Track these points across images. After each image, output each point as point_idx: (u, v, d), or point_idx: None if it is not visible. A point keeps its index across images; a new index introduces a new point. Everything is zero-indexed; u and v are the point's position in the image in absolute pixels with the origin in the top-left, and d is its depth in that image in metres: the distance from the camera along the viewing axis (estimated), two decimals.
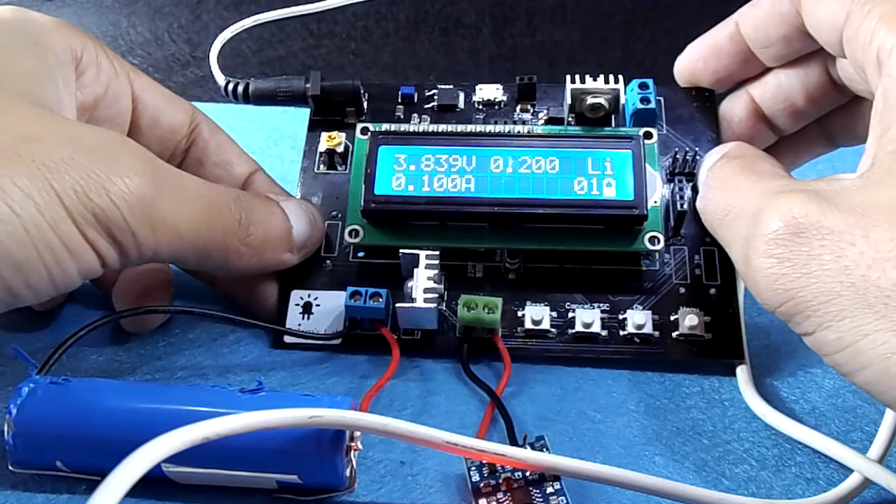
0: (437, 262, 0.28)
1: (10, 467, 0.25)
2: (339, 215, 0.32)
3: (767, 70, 0.31)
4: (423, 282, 0.28)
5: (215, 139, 0.32)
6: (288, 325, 0.30)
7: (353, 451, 0.25)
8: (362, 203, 0.29)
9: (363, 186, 0.29)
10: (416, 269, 0.28)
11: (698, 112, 0.33)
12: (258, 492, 0.25)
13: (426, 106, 0.34)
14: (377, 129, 0.31)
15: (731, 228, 0.24)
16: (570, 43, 0.51)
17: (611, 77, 0.32)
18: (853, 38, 0.24)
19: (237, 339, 0.31)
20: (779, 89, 0.31)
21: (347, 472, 0.25)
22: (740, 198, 0.24)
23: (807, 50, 0.29)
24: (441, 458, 0.26)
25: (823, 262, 0.21)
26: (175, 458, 0.24)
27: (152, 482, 0.24)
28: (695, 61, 0.32)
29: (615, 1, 0.52)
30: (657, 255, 0.31)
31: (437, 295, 0.28)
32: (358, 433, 0.24)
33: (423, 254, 0.28)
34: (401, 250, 0.29)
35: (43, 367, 0.26)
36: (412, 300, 0.27)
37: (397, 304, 0.28)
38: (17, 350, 0.26)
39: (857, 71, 0.25)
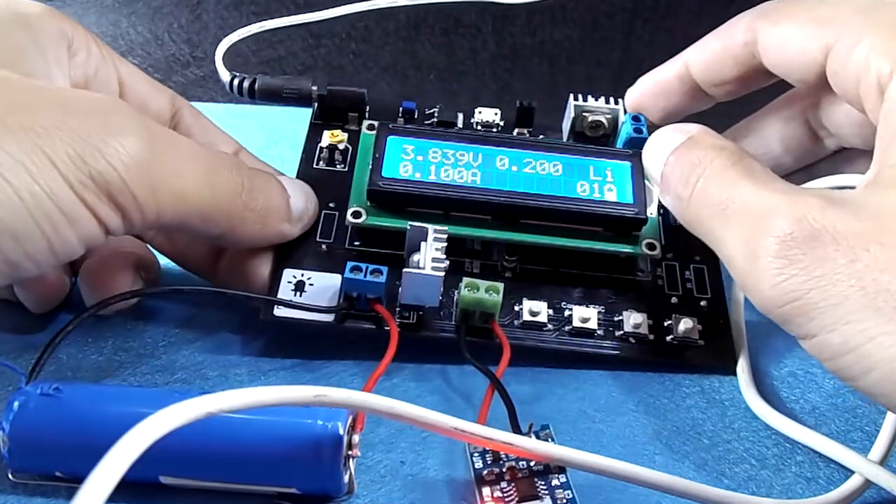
0: (444, 236, 0.28)
1: (10, 476, 0.25)
2: (336, 205, 0.32)
3: (750, 125, 0.32)
4: (431, 252, 0.27)
5: (198, 123, 0.32)
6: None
7: (351, 460, 0.25)
8: (369, 183, 0.29)
9: (370, 171, 0.30)
10: (423, 243, 0.28)
11: None
12: (256, 496, 0.25)
13: (426, 122, 0.35)
14: (385, 123, 0.31)
15: (727, 223, 0.23)
16: (570, 43, 0.51)
17: (611, 99, 0.33)
18: (842, 71, 0.25)
19: (237, 340, 0.31)
20: (760, 139, 0.32)
21: (346, 479, 0.25)
22: (740, 192, 0.23)
23: (763, 85, 0.30)
24: (441, 458, 0.26)
25: (836, 266, 0.20)
26: (173, 471, 0.24)
27: (147, 487, 0.24)
28: (644, 97, 0.32)
29: (615, 1, 0.52)
30: (649, 264, 0.31)
31: (444, 266, 0.27)
32: (357, 439, 0.24)
33: (431, 227, 0.28)
34: (409, 223, 0.28)
35: (31, 373, 0.25)
36: (420, 268, 0.27)
37: (405, 269, 0.27)
38: (4, 363, 0.25)
39: (851, 100, 0.25)
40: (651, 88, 0.32)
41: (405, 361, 0.30)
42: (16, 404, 0.24)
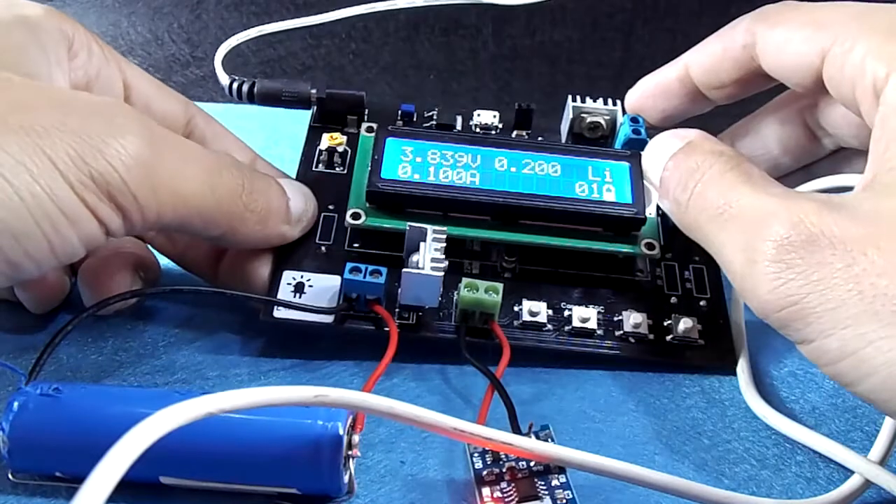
0: (444, 236, 0.28)
1: (10, 477, 0.25)
2: (335, 207, 0.32)
3: (748, 125, 0.32)
4: (430, 252, 0.27)
5: (211, 130, 0.32)
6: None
7: (351, 460, 0.25)
8: (368, 185, 0.29)
9: (369, 172, 0.30)
10: (422, 243, 0.28)
11: None
12: (256, 496, 0.25)
13: (425, 125, 0.35)
14: (384, 125, 0.31)
15: (725, 227, 0.23)
16: (570, 43, 0.51)
17: (609, 100, 0.33)
18: (838, 75, 0.25)
19: (237, 340, 0.31)
20: (758, 138, 0.32)
21: (346, 479, 0.25)
22: (738, 196, 0.23)
23: (762, 88, 0.30)
24: (441, 458, 0.26)
25: (834, 271, 0.20)
26: (173, 472, 0.24)
27: (147, 487, 0.24)
28: (644, 99, 0.32)
29: (615, 1, 0.52)
30: (649, 264, 0.31)
31: (443, 266, 0.27)
32: (356, 440, 0.24)
33: (430, 228, 0.28)
34: (408, 223, 0.28)
35: (31, 374, 0.25)
36: (419, 269, 0.27)
37: (404, 270, 0.27)
38: (4, 364, 0.26)
39: (848, 104, 0.25)
40: (651, 90, 0.32)
41: (405, 361, 0.30)
42: (15, 404, 0.24)
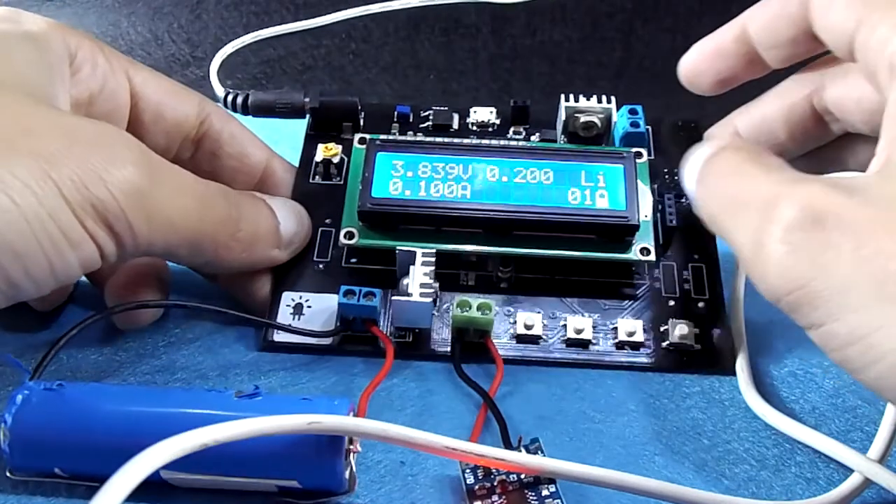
0: (433, 259, 0.28)
1: (8, 474, 0.25)
2: (332, 222, 0.32)
3: (753, 108, 0.31)
4: (419, 277, 0.28)
5: (227, 129, 0.32)
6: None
7: (352, 454, 0.25)
8: (359, 204, 0.29)
9: (360, 191, 0.30)
10: (412, 266, 0.28)
11: (685, 143, 0.33)
12: (258, 494, 0.25)
13: (421, 125, 0.35)
14: (375, 138, 0.31)
15: (738, 215, 0.23)
16: (570, 43, 0.51)
17: (603, 98, 0.33)
18: (865, 45, 0.24)
19: (237, 339, 0.31)
20: (763, 122, 0.31)
21: (347, 475, 0.25)
22: (751, 185, 0.23)
23: (813, 52, 0.29)
24: (441, 458, 0.26)
25: (842, 253, 0.20)
26: (173, 465, 0.24)
27: (150, 486, 0.24)
28: (700, 61, 0.31)
29: (615, 1, 0.52)
30: (646, 267, 0.31)
31: (432, 290, 0.28)
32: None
33: (419, 251, 0.28)
34: (398, 247, 0.29)
35: (36, 371, 0.26)
36: (408, 295, 0.27)
37: (393, 297, 0.28)
38: (9, 358, 0.26)
39: (868, 77, 0.25)
40: (708, 51, 0.31)
41: (406, 359, 0.30)
42: (19, 398, 0.25)
